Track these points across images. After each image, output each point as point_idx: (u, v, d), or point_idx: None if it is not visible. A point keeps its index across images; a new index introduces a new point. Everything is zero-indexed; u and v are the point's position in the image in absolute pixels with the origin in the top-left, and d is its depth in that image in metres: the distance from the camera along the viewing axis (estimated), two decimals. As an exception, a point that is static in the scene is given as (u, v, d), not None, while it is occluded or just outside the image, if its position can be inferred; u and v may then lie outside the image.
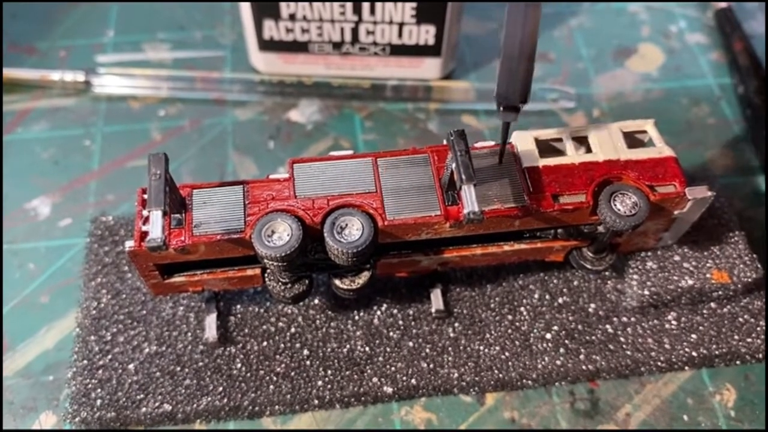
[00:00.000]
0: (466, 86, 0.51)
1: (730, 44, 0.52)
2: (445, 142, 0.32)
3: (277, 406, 0.37)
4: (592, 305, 0.40)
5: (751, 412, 0.38)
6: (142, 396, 0.36)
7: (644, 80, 0.52)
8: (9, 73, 0.50)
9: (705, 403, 0.39)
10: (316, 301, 0.39)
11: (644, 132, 0.36)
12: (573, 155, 0.34)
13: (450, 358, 0.38)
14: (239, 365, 0.37)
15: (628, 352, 0.38)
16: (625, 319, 0.39)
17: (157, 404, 0.36)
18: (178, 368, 0.37)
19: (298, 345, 0.38)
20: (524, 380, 0.38)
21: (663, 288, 0.38)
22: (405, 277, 0.40)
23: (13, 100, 0.50)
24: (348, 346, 0.38)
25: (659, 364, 0.38)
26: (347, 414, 0.38)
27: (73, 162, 0.47)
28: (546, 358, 0.38)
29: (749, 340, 0.38)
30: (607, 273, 0.40)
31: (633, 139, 0.36)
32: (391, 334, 0.39)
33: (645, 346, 0.38)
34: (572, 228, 0.35)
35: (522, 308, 0.40)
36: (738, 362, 0.39)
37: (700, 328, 0.39)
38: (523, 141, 0.35)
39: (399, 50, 0.49)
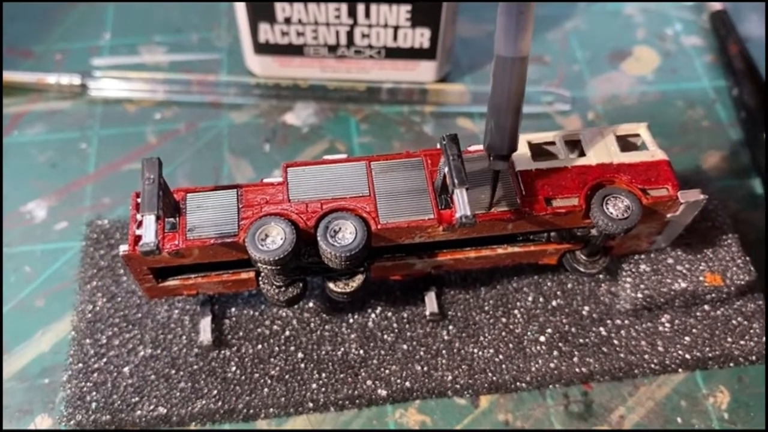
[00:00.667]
0: (462, 89, 0.51)
1: (726, 47, 0.52)
2: (438, 146, 0.32)
3: (271, 409, 0.37)
4: (586, 308, 0.40)
5: (744, 414, 0.38)
6: (137, 399, 0.37)
7: (639, 83, 0.53)
8: (5, 76, 0.50)
9: (698, 406, 0.39)
10: (311, 305, 0.40)
11: (637, 135, 0.36)
12: (566, 159, 0.35)
13: (444, 361, 0.38)
14: (234, 368, 0.38)
15: (622, 355, 0.38)
16: (618, 321, 0.39)
17: (152, 407, 0.36)
18: (173, 371, 0.37)
19: (292, 348, 0.38)
20: (518, 383, 0.38)
21: (656, 291, 0.38)
22: (399, 280, 0.40)
23: (9, 103, 0.50)
24: (342, 349, 0.38)
25: (653, 366, 0.38)
26: (342, 417, 0.38)
27: (69, 165, 0.48)
28: (540, 361, 0.38)
29: (742, 342, 0.39)
30: (600, 276, 0.41)
31: (626, 143, 0.36)
32: (385, 337, 0.39)
33: (638, 348, 0.38)
34: (565, 231, 0.35)
35: (516, 311, 0.40)
36: (731, 364, 0.39)
37: (694, 330, 0.39)
38: (516, 144, 0.35)
39: (394, 53, 0.49)
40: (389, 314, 0.39)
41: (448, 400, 0.39)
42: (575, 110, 0.51)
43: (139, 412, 0.36)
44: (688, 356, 0.38)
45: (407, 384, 0.37)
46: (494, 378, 0.38)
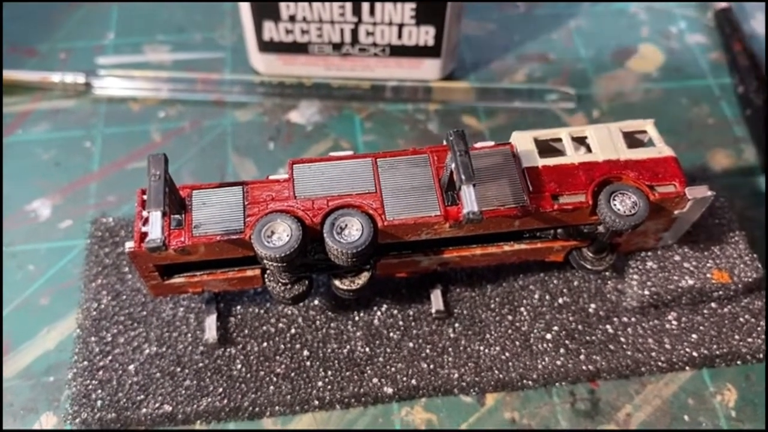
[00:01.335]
0: (466, 86, 0.51)
1: (730, 44, 0.52)
2: (444, 143, 0.32)
3: (277, 407, 0.37)
4: (593, 305, 0.40)
5: (752, 412, 0.38)
6: (142, 397, 0.36)
7: (644, 80, 0.52)
8: (10, 74, 0.50)
9: (706, 404, 0.38)
10: (316, 302, 0.39)
11: (644, 132, 0.36)
12: (573, 155, 0.34)
13: (450, 359, 0.38)
14: (239, 366, 0.37)
15: (629, 353, 0.38)
16: (625, 319, 0.39)
17: (157, 405, 0.36)
18: (179, 369, 0.37)
19: (298, 346, 0.38)
20: (524, 380, 0.38)
21: (663, 288, 0.38)
22: (405, 277, 0.40)
23: (13, 102, 0.50)
24: (348, 346, 0.38)
25: (660, 364, 0.38)
26: (348, 415, 0.38)
27: (73, 163, 0.47)
28: (546, 359, 0.38)
29: (750, 340, 0.38)
30: (607, 273, 0.40)
31: (633, 139, 0.36)
32: (391, 334, 0.39)
33: (645, 346, 0.38)
34: (572, 228, 0.35)
35: (522, 308, 0.40)
36: (739, 362, 0.39)
37: (701, 328, 0.39)
38: (522, 141, 0.35)
39: (399, 51, 0.49)
40: (395, 312, 0.39)
41: (454, 398, 0.39)
42: (580, 108, 0.51)
43: (144, 410, 0.36)
44: (695, 354, 0.38)
45: (413, 382, 0.37)
46: (500, 376, 0.38)
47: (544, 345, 0.38)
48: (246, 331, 0.39)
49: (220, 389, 0.37)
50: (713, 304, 0.40)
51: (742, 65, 0.51)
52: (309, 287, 0.35)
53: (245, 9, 0.46)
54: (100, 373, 0.37)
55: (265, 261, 0.32)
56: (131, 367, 0.37)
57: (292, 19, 0.47)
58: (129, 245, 0.32)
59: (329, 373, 0.37)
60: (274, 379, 0.37)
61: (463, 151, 0.30)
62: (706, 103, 0.51)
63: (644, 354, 0.38)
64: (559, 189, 0.33)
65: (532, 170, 0.34)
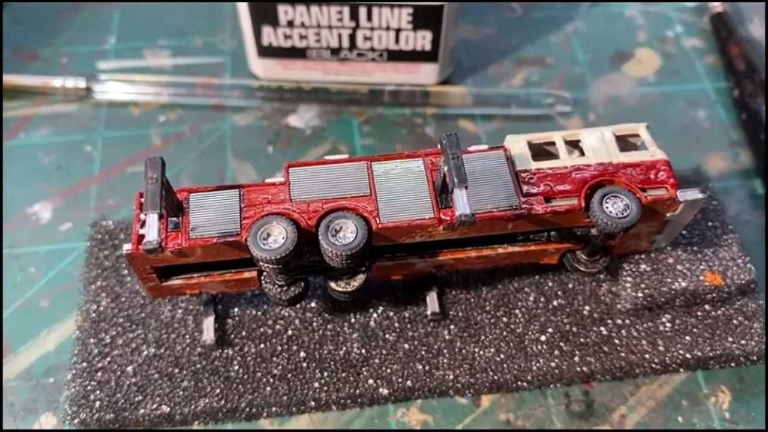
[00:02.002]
0: (463, 91, 0.51)
1: (726, 48, 0.53)
2: (438, 147, 0.33)
3: (274, 408, 0.37)
4: (587, 308, 0.40)
5: (746, 414, 0.38)
6: (140, 398, 0.37)
7: (641, 84, 0.53)
8: (12, 79, 0.51)
9: (700, 405, 0.39)
10: (313, 304, 0.40)
11: (637, 135, 0.36)
12: (565, 158, 0.35)
13: (445, 360, 0.38)
14: (236, 367, 0.38)
15: (623, 354, 0.38)
16: (619, 321, 0.39)
17: (155, 406, 0.37)
18: (176, 370, 0.38)
19: (294, 347, 0.39)
20: (519, 382, 0.38)
21: (657, 290, 0.38)
22: (400, 280, 0.40)
23: (15, 106, 0.51)
24: (344, 348, 0.39)
25: (653, 365, 0.38)
26: (344, 416, 0.38)
27: (74, 167, 0.48)
28: (541, 360, 0.38)
29: (743, 342, 0.39)
30: (601, 276, 0.41)
31: (626, 143, 0.36)
32: (387, 336, 0.39)
33: (639, 347, 0.39)
34: (565, 230, 0.36)
35: (517, 311, 0.40)
36: (733, 364, 0.39)
37: (695, 330, 0.39)
38: (516, 145, 0.35)
39: (396, 56, 0.49)
40: (391, 314, 0.40)
41: (450, 399, 0.39)
42: (576, 112, 0.51)
43: (142, 411, 0.37)
44: (688, 356, 0.38)
45: (409, 383, 0.38)
46: (495, 377, 0.38)
47: (539, 347, 0.39)
48: (243, 333, 0.39)
49: (218, 390, 0.37)
50: (707, 307, 0.40)
51: (738, 69, 0.51)
52: (305, 289, 0.36)
53: (244, 14, 0.47)
54: (99, 374, 0.38)
55: (261, 263, 0.32)
56: (129, 369, 0.38)
57: (290, 24, 0.47)
58: (127, 247, 0.32)
59: (325, 374, 0.38)
60: (271, 380, 0.38)
61: (455, 154, 0.31)
62: (702, 107, 0.51)
63: (638, 356, 0.38)
64: (552, 192, 0.34)
65: (525, 173, 0.34)
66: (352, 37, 0.48)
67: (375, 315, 0.40)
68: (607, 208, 0.33)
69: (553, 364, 0.38)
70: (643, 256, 0.39)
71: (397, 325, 0.39)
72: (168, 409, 0.37)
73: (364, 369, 0.38)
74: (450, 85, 0.52)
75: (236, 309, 0.40)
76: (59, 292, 0.42)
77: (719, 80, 0.53)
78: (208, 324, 0.38)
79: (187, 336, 0.39)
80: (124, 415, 0.36)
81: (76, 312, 0.40)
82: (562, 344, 0.39)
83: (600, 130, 0.36)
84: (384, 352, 0.39)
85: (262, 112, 0.51)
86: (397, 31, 0.47)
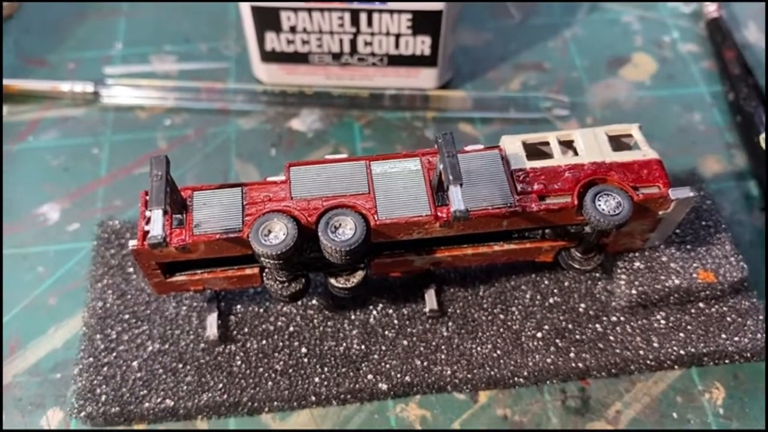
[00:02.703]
0: (462, 95, 0.52)
1: (721, 53, 0.54)
2: (435, 147, 0.34)
3: (275, 402, 0.38)
4: (582, 305, 0.41)
5: (739, 410, 0.39)
6: (145, 392, 0.38)
7: (637, 88, 0.54)
8: (21, 84, 0.52)
9: (694, 401, 0.39)
10: (314, 302, 0.41)
11: (630, 136, 0.37)
12: (559, 158, 0.36)
13: (443, 356, 0.39)
14: (239, 362, 0.39)
15: (618, 350, 0.39)
16: (614, 318, 0.40)
17: (159, 400, 0.38)
18: (180, 365, 0.39)
19: (296, 343, 0.39)
20: (516, 378, 0.39)
21: (650, 287, 0.39)
22: (399, 277, 0.41)
23: (24, 110, 0.52)
24: (344, 344, 0.39)
25: (648, 362, 0.39)
26: (344, 411, 0.39)
27: (81, 169, 0.49)
28: (537, 356, 0.39)
29: (736, 338, 0.39)
30: (597, 274, 0.41)
31: (619, 143, 0.37)
32: (386, 333, 0.40)
33: (634, 344, 0.39)
34: (559, 228, 0.36)
35: (514, 308, 0.41)
36: (726, 361, 0.40)
37: (688, 327, 0.40)
38: (511, 144, 0.36)
39: (396, 60, 0.50)
40: (390, 311, 0.41)
41: (448, 395, 0.40)
42: (574, 115, 0.52)
43: (147, 405, 0.37)
44: (682, 352, 0.39)
45: (407, 378, 0.38)
46: (492, 373, 0.39)
47: (535, 343, 0.39)
48: (246, 329, 0.40)
49: (221, 385, 0.38)
50: (701, 304, 0.41)
51: (733, 73, 0.52)
52: (306, 285, 0.37)
53: (248, 20, 0.48)
54: (105, 369, 0.38)
55: (262, 259, 0.33)
56: (135, 364, 0.39)
57: (293, 30, 0.49)
58: (132, 243, 0.33)
59: (326, 369, 0.39)
60: (273, 375, 0.38)
61: (451, 152, 0.32)
62: (697, 110, 0.52)
63: (633, 352, 0.39)
64: (546, 190, 0.35)
65: (520, 172, 0.35)
66: (353, 43, 0.49)
67: (374, 312, 0.41)
68: (599, 205, 0.34)
69: (549, 360, 0.39)
70: (637, 254, 0.40)
71: (396, 322, 0.40)
72: (172, 403, 0.38)
73: (363, 364, 0.39)
74: (449, 89, 0.53)
75: (239, 306, 0.41)
76: (66, 290, 0.43)
77: (714, 84, 0.54)
78: (212, 320, 0.39)
79: (191, 332, 0.40)
80: (130, 409, 0.37)
81: (82, 309, 0.41)
82: (557, 341, 0.40)
83: (593, 130, 0.37)
84: (383, 348, 0.39)
85: (265, 116, 0.52)
86: (397, 36, 0.48)
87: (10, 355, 0.41)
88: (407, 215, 0.33)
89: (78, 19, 0.58)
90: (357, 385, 0.38)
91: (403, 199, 0.34)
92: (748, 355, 0.40)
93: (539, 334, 0.40)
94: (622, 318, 0.40)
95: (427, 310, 0.40)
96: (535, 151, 0.37)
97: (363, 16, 0.47)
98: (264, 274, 0.36)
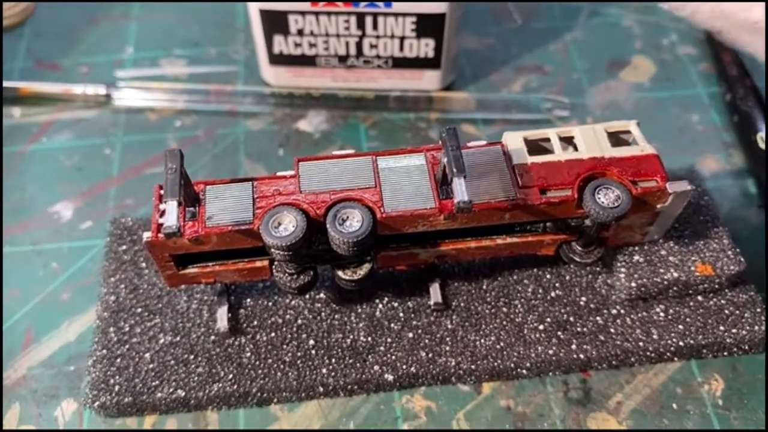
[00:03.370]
0: (466, 96, 0.53)
1: (719, 55, 0.55)
2: (439, 142, 0.35)
3: (284, 393, 0.39)
4: (584, 298, 0.42)
5: (738, 401, 0.40)
6: (157, 383, 0.39)
7: (637, 90, 0.55)
8: (34, 86, 0.53)
9: (694, 393, 0.40)
10: (322, 295, 0.42)
11: (628, 132, 0.38)
12: (560, 153, 0.37)
13: (447, 348, 0.40)
14: (249, 354, 0.40)
15: (618, 342, 0.40)
16: (614, 311, 0.41)
17: (171, 390, 0.39)
18: (191, 357, 0.40)
19: (304, 335, 0.40)
20: (519, 369, 0.40)
21: (650, 280, 0.40)
22: (405, 270, 0.42)
23: (38, 112, 0.54)
24: (351, 336, 0.40)
25: (648, 353, 0.40)
26: (351, 402, 0.40)
27: (94, 169, 0.50)
28: (539, 348, 0.40)
29: (734, 330, 0.40)
30: (597, 268, 0.42)
31: (618, 139, 0.38)
32: (392, 325, 0.41)
33: (634, 336, 0.40)
34: (560, 221, 0.37)
35: (516, 301, 0.42)
36: (725, 353, 0.41)
37: (687, 319, 0.41)
38: (513, 140, 0.37)
39: (401, 63, 0.52)
40: (396, 304, 0.42)
41: (453, 386, 0.40)
42: (574, 116, 0.53)
43: (159, 395, 0.38)
44: (682, 344, 0.40)
45: (412, 369, 0.39)
46: (496, 364, 0.40)
47: (537, 335, 0.40)
48: (255, 322, 0.41)
49: (231, 376, 0.39)
50: (699, 297, 0.41)
51: (731, 74, 0.53)
52: (314, 278, 0.38)
53: (256, 23, 0.49)
54: (118, 360, 0.40)
55: (272, 250, 0.34)
56: (147, 355, 0.40)
57: (300, 32, 0.50)
58: (147, 235, 0.34)
59: (333, 360, 0.40)
60: (282, 366, 0.39)
61: (454, 146, 0.33)
62: (696, 111, 0.53)
63: (633, 343, 0.40)
64: (547, 184, 0.36)
65: (521, 167, 0.36)
66: (359, 45, 0.50)
67: (381, 305, 0.41)
68: (599, 198, 0.35)
69: (551, 352, 0.40)
70: (636, 248, 0.41)
71: (401, 314, 0.41)
72: (183, 394, 0.38)
73: (370, 356, 0.40)
74: (453, 91, 0.54)
75: (249, 300, 0.42)
76: (79, 286, 0.45)
77: (712, 85, 0.55)
78: (222, 313, 0.40)
79: (202, 325, 0.41)
80: (142, 399, 0.38)
81: (96, 303, 0.42)
82: (559, 333, 0.40)
83: (593, 126, 0.38)
84: (389, 340, 0.40)
85: (273, 117, 0.53)
86: (402, 39, 0.50)
87: (25, 348, 0.42)
88: (412, 208, 0.35)
89: (90, 24, 0.60)
90: (363, 376, 0.39)
91: (409, 192, 0.35)
92: (746, 347, 0.41)
93: (541, 327, 0.41)
94: (622, 310, 0.41)
95: (431, 303, 0.41)
96: (536, 147, 0.38)
97: (368, 20, 0.48)
98: (273, 267, 0.38)
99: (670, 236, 0.41)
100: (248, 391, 0.39)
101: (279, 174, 0.36)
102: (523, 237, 0.38)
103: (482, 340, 0.40)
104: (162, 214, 0.34)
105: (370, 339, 0.40)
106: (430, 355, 0.40)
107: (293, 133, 0.52)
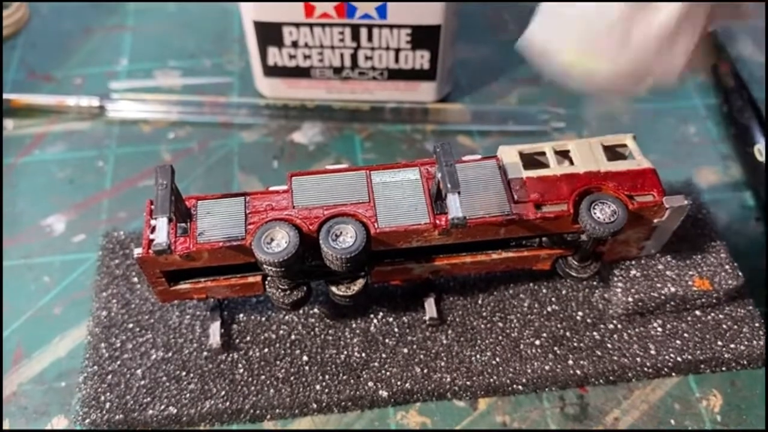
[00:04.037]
0: (461, 108, 0.53)
1: (716, 67, 0.55)
2: (434, 157, 0.34)
3: (277, 410, 0.39)
4: (580, 313, 0.41)
5: (737, 417, 0.39)
6: (149, 399, 0.38)
7: (633, 101, 0.55)
8: (27, 98, 0.53)
9: (692, 408, 0.40)
10: (315, 310, 0.41)
11: (624, 146, 0.38)
12: (555, 167, 0.36)
13: (443, 364, 0.40)
14: (241, 370, 0.39)
15: (615, 358, 0.40)
16: (611, 326, 0.41)
17: (162, 407, 0.38)
18: (184, 373, 0.39)
19: (297, 351, 0.40)
20: (515, 385, 0.39)
21: (647, 295, 0.39)
22: (399, 285, 0.42)
23: (30, 124, 0.53)
24: (345, 352, 0.40)
25: (645, 369, 0.40)
26: (345, 418, 0.40)
27: (87, 182, 0.50)
28: (535, 364, 0.39)
29: (732, 345, 0.40)
30: (594, 282, 0.42)
31: (614, 153, 0.38)
32: (386, 341, 0.40)
33: (631, 351, 0.40)
34: (556, 236, 0.37)
35: (512, 316, 0.41)
36: (723, 368, 0.41)
37: (685, 334, 0.40)
38: (508, 155, 0.37)
39: (396, 74, 0.51)
40: (390, 319, 0.41)
41: (448, 402, 0.40)
42: (570, 128, 0.53)
43: (150, 412, 0.38)
44: (679, 359, 0.40)
45: (407, 385, 0.39)
46: (491, 380, 0.39)
47: (534, 351, 0.40)
48: (248, 338, 0.40)
49: (223, 392, 0.39)
50: (697, 312, 0.41)
51: (728, 86, 0.53)
52: (307, 294, 0.37)
53: (251, 34, 0.49)
54: (109, 377, 0.39)
55: (265, 266, 0.34)
56: (139, 371, 0.39)
57: (294, 44, 0.50)
58: (137, 251, 0.34)
59: (327, 377, 0.39)
60: (275, 382, 0.39)
61: (449, 161, 0.33)
62: (692, 123, 0.53)
63: (630, 359, 0.39)
64: (542, 199, 0.35)
65: (516, 181, 0.36)
66: (354, 57, 0.50)
67: (375, 320, 0.41)
68: (595, 213, 0.35)
69: (547, 368, 0.39)
70: (633, 262, 0.41)
71: (396, 330, 0.41)
72: (175, 411, 0.38)
73: (364, 372, 0.39)
74: (448, 102, 0.54)
75: (241, 315, 0.41)
76: (71, 300, 0.44)
77: (709, 97, 0.55)
78: (215, 329, 0.40)
79: (194, 340, 0.40)
80: (133, 416, 0.38)
81: (87, 318, 0.42)
82: (556, 348, 0.40)
83: (588, 140, 0.38)
84: (384, 356, 0.40)
85: (267, 129, 0.53)
86: (397, 50, 0.49)
87: (15, 364, 0.42)
88: (406, 223, 0.34)
89: (84, 35, 0.60)
90: (358, 393, 0.39)
91: (403, 207, 0.35)
92: (745, 362, 0.40)
93: (537, 342, 0.40)
94: (619, 325, 0.41)
95: (426, 318, 0.41)
96: (531, 161, 0.37)
97: (363, 31, 0.48)
98: (266, 283, 0.37)
99: (667, 250, 0.41)
100: (241, 407, 0.38)
101: (272, 189, 0.36)
102: (518, 252, 0.38)
103: (478, 356, 0.40)
104: (153, 229, 0.33)
105: (364, 355, 0.40)
106: (425, 370, 0.39)
107: (288, 144, 0.52)
